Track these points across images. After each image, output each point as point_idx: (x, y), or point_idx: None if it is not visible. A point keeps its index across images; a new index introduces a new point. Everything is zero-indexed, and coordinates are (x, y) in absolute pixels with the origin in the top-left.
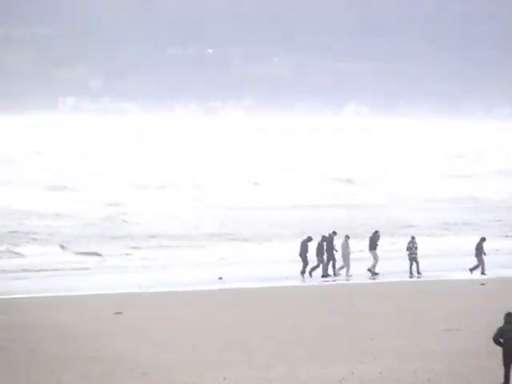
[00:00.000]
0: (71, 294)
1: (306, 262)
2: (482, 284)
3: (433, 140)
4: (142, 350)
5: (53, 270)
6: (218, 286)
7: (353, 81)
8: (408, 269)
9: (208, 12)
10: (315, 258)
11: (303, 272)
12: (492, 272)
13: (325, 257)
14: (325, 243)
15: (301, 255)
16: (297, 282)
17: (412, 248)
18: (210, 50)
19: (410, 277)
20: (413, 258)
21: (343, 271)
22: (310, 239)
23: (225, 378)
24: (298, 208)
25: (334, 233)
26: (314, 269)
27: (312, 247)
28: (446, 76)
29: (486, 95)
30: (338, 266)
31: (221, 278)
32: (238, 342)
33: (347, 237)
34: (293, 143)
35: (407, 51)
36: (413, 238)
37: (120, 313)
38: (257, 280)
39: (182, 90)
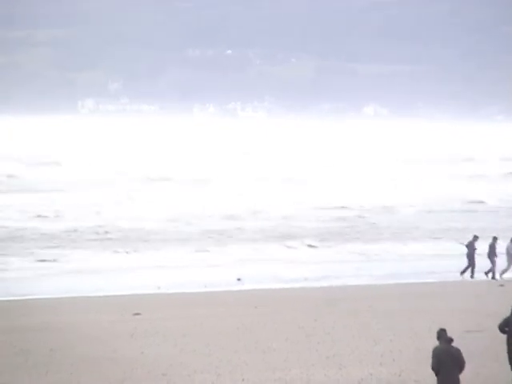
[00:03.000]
0: (91, 295)
1: (473, 264)
2: (501, 285)
3: (452, 141)
4: (161, 351)
5: (70, 272)
6: (236, 286)
7: (372, 82)
8: None
9: (227, 13)
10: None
11: (469, 273)
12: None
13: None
14: (497, 244)
15: (468, 255)
16: (316, 283)
17: None
18: (228, 52)
19: None
20: None
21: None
22: (476, 238)
23: (243, 380)
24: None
25: None
26: (465, 271)
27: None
28: (464, 78)
29: (505, 98)
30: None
31: (239, 280)
32: (256, 343)
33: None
34: (312, 144)
35: (426, 53)
36: None
37: (139, 314)
38: (275, 281)
39: (200, 92)
